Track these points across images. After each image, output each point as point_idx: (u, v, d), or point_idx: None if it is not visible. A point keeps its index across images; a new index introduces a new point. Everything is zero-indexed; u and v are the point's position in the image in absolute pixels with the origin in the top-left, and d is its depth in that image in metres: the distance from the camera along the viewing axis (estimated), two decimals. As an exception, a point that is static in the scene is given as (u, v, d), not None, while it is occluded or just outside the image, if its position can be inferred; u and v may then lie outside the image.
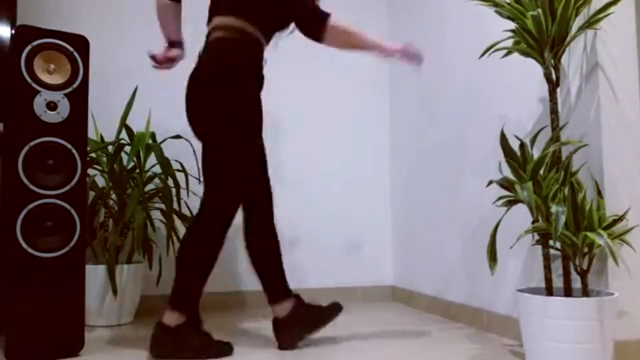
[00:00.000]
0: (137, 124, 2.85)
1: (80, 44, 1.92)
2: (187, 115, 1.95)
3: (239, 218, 3.00)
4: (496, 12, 1.78)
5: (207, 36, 1.98)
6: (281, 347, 2.01)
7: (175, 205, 2.71)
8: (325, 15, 1.93)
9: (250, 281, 2.99)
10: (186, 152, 2.92)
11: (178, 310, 1.84)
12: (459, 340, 2.12)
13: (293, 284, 3.08)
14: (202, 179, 2.04)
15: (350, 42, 1.95)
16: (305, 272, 3.11)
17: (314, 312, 2.05)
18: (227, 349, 1.91)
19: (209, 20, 2.01)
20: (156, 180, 2.74)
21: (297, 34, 2.04)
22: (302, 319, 2.03)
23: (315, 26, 1.94)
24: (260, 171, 2.06)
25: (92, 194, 2.54)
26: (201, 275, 1.87)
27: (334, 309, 2.09)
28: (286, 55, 3.18)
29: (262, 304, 2.96)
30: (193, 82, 1.92)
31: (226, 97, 1.86)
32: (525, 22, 1.71)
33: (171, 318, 1.84)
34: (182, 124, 2.94)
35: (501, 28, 2.22)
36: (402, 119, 3.16)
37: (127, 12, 2.94)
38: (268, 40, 2.03)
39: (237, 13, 1.91)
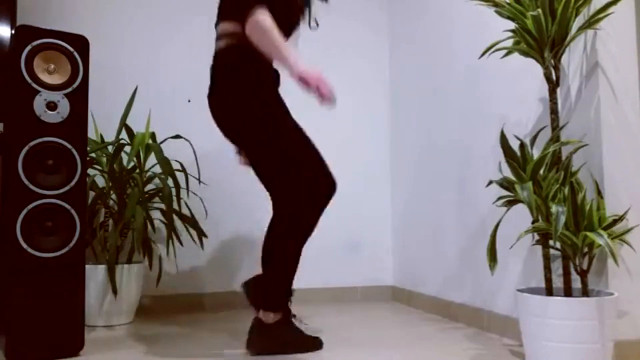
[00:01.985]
0: (137, 124, 2.85)
1: (80, 44, 1.92)
2: (223, 132, 1.98)
3: (241, 216, 3.00)
4: (496, 12, 1.78)
5: (216, 42, 2.00)
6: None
7: (175, 205, 2.71)
8: (254, 5, 1.84)
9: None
10: (186, 152, 2.92)
11: (273, 311, 1.90)
12: (459, 340, 2.12)
13: (293, 284, 3.07)
14: (265, 188, 2.04)
15: (264, 44, 1.83)
16: (305, 272, 3.11)
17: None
18: (319, 343, 1.99)
19: (216, 24, 2.02)
20: (156, 180, 2.74)
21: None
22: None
23: (243, 11, 1.87)
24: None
25: (92, 194, 2.54)
26: (290, 274, 1.92)
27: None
28: (286, 55, 3.17)
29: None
30: (214, 100, 1.96)
31: (250, 106, 1.89)
32: (525, 22, 1.71)
33: (267, 317, 1.90)
34: (182, 124, 2.94)
35: (501, 28, 2.22)
36: (403, 118, 3.16)
37: (127, 12, 2.94)
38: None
39: (238, 19, 1.92)
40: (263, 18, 1.82)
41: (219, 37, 1.98)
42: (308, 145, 1.97)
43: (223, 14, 1.98)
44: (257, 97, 1.90)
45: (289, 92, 3.22)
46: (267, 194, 2.02)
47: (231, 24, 1.93)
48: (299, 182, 1.91)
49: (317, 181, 1.93)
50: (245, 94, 1.89)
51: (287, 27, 2.02)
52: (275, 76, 2.03)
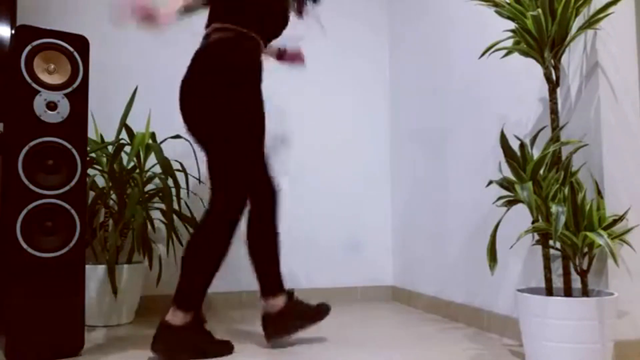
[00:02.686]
0: (137, 124, 2.85)
1: (80, 44, 1.92)
2: (185, 120, 1.96)
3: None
4: (496, 12, 1.78)
5: (205, 37, 2.00)
6: (269, 339, 2.03)
7: (175, 205, 2.71)
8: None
9: (250, 281, 2.99)
10: (186, 152, 2.92)
11: (183, 309, 1.84)
12: (458, 340, 2.12)
13: (293, 284, 3.08)
14: (208, 182, 2.04)
15: None
16: (305, 272, 3.11)
17: (304, 309, 2.08)
18: (228, 347, 1.92)
19: (207, 26, 2.02)
20: (156, 180, 2.74)
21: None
22: (293, 314, 2.05)
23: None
24: (264, 167, 2.08)
25: (92, 194, 2.54)
26: (207, 276, 1.87)
27: (323, 309, 2.11)
28: (286, 55, 3.17)
29: (262, 304, 2.96)
30: (187, 85, 1.94)
31: (225, 97, 1.88)
32: (525, 22, 1.71)
33: (175, 317, 1.84)
34: (182, 124, 2.94)
35: (501, 28, 2.22)
36: (402, 118, 3.16)
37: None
38: (265, 38, 2.04)
39: (229, 20, 1.94)
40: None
41: (212, 32, 1.96)
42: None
43: (214, 16, 1.99)
44: (240, 92, 1.90)
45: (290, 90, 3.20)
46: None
47: (224, 24, 1.95)
48: (233, 192, 1.90)
49: (240, 200, 1.91)
50: (229, 86, 1.88)
51: (267, 33, 2.04)
52: (259, 69, 2.01)
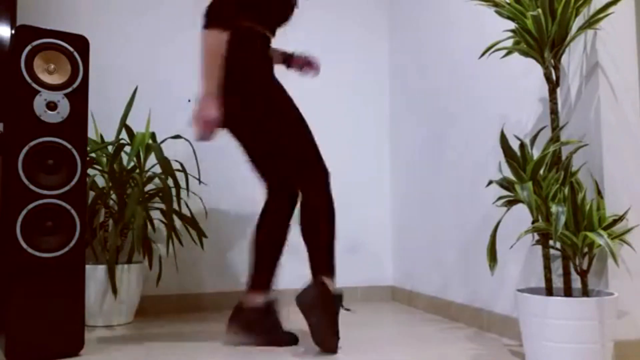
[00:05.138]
0: (137, 124, 2.85)
1: (80, 44, 1.92)
2: (228, 122, 2.03)
3: (241, 216, 3.00)
4: (496, 12, 1.78)
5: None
6: (228, 329, 2.07)
7: (175, 205, 2.71)
8: (209, 21, 1.89)
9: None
10: (186, 152, 2.92)
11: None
12: (459, 340, 2.12)
13: (294, 284, 3.08)
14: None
15: (203, 62, 1.92)
16: (305, 273, 3.11)
17: (270, 327, 2.04)
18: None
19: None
20: (156, 180, 2.74)
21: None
22: (257, 325, 2.04)
23: (204, 19, 1.92)
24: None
25: (92, 194, 2.54)
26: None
27: (289, 340, 2.04)
28: (286, 55, 3.17)
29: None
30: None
31: (245, 93, 1.94)
32: (525, 22, 1.71)
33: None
34: (182, 124, 2.94)
35: (501, 28, 2.22)
36: (402, 118, 3.16)
37: (127, 11, 2.94)
38: (271, 29, 2.07)
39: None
40: (214, 36, 1.88)
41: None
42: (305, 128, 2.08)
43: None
44: (256, 84, 1.95)
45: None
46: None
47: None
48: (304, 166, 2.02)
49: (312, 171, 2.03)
50: (244, 83, 1.94)
51: (273, 23, 2.07)
52: (268, 59, 2.04)
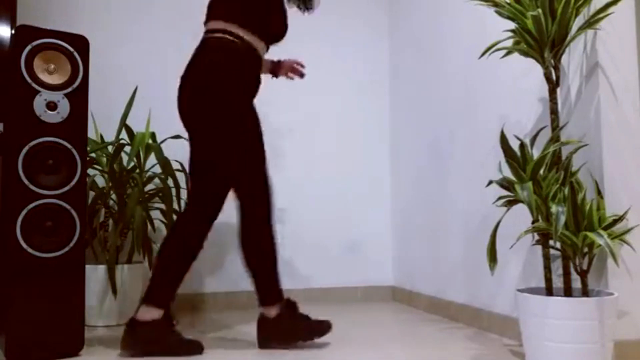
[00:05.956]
0: (137, 124, 2.85)
1: (80, 44, 1.92)
2: (180, 112, 2.02)
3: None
4: (496, 12, 1.78)
5: (206, 34, 2.00)
6: (260, 346, 2.02)
7: (175, 205, 2.71)
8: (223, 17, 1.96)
9: (249, 281, 2.99)
10: (186, 152, 2.92)
11: (154, 305, 1.85)
12: (459, 340, 2.12)
13: (294, 284, 3.08)
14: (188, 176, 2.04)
15: None
16: (305, 273, 3.11)
17: (298, 325, 2.01)
18: (198, 347, 1.92)
19: (205, 23, 2.03)
20: (156, 180, 2.74)
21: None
22: (285, 328, 2.00)
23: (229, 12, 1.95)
24: (255, 172, 2.05)
25: (92, 194, 2.54)
26: (178, 273, 1.88)
27: (322, 328, 2.03)
28: (286, 55, 3.18)
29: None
30: (186, 80, 1.97)
31: (218, 97, 1.89)
32: (525, 22, 1.71)
33: (146, 313, 1.85)
34: (182, 124, 2.94)
35: (501, 28, 2.22)
36: (402, 119, 3.16)
37: (127, 12, 2.94)
38: (266, 43, 2.05)
39: (230, 19, 1.94)
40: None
41: (209, 31, 1.97)
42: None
43: (214, 14, 1.99)
44: (232, 95, 1.91)
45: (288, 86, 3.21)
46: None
47: (231, 24, 1.94)
48: (211, 191, 1.91)
49: (217, 200, 1.92)
50: (222, 86, 1.90)
51: (268, 36, 2.04)
52: (257, 83, 2.02)
